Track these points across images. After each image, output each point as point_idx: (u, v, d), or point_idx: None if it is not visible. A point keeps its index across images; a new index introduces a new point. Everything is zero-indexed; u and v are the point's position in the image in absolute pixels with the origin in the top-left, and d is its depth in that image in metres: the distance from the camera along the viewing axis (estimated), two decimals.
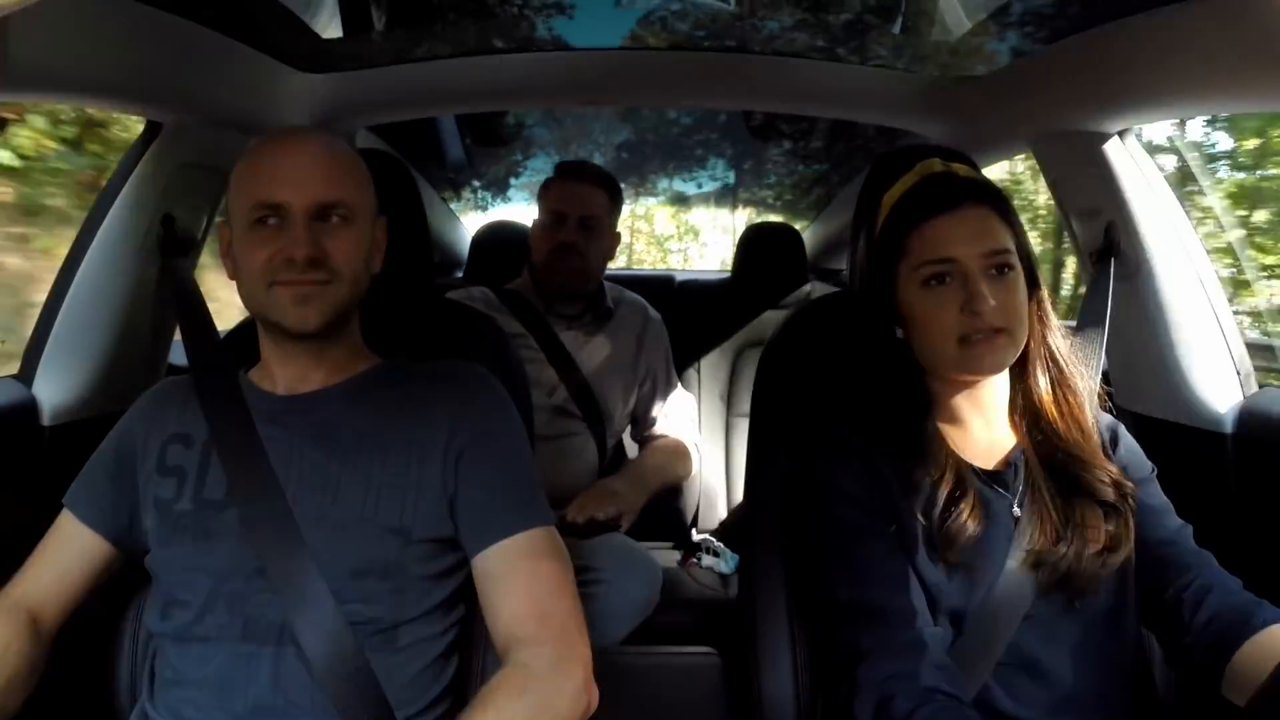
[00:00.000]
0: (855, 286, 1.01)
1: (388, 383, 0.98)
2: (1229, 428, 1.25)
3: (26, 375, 1.24)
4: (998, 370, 0.93)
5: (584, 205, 1.73)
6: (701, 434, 2.14)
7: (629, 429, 1.88)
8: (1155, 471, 0.99)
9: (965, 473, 0.93)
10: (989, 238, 0.90)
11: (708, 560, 1.92)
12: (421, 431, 0.93)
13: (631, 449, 1.95)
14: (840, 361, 1.03)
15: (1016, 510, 0.93)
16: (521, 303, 1.75)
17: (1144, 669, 0.95)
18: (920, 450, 0.93)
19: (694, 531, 2.05)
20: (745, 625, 1.10)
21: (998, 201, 0.93)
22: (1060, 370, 0.97)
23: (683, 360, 2.23)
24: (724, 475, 2.17)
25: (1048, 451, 0.94)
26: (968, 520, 0.90)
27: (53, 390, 1.23)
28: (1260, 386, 1.30)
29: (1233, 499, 1.22)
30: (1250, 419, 1.23)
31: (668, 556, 1.90)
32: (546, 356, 1.70)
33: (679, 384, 1.90)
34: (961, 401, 0.97)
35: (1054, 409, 0.95)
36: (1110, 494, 0.91)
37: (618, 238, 1.82)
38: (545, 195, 1.77)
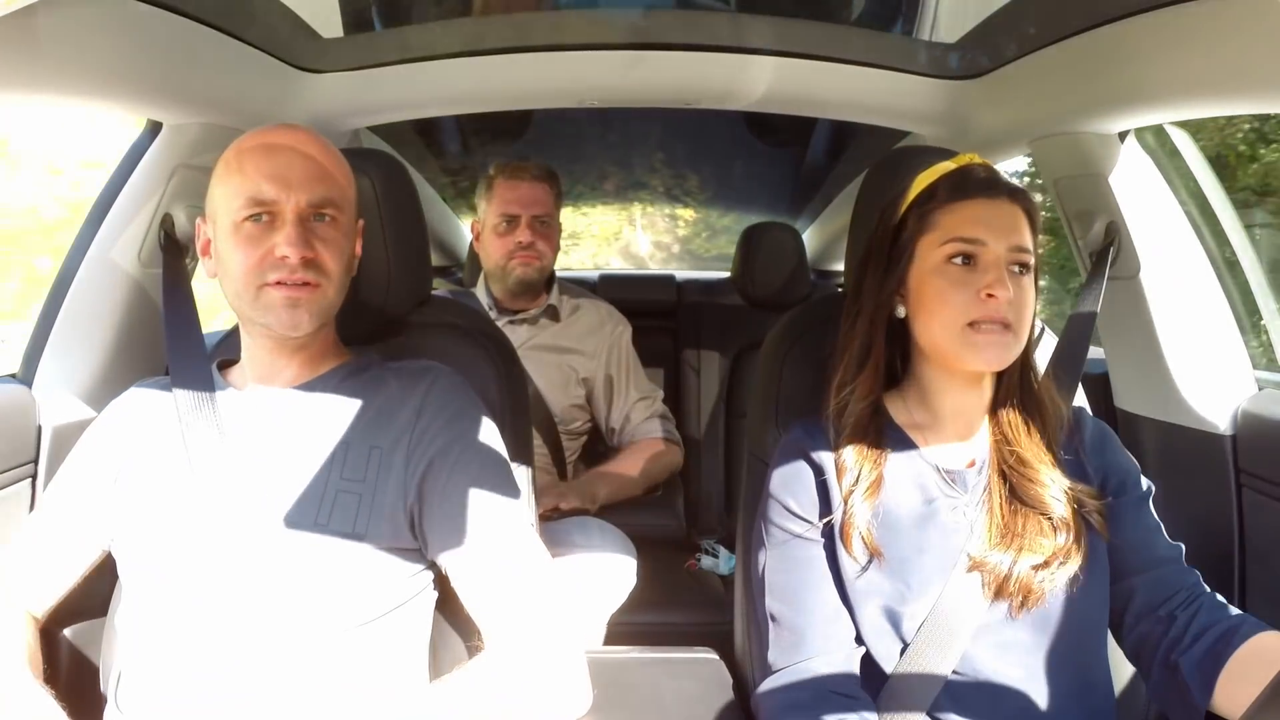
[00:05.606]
0: (866, 262, 1.00)
1: (353, 382, 0.97)
2: (1229, 428, 1.25)
3: (26, 375, 1.24)
4: (997, 366, 0.93)
5: (535, 204, 1.71)
6: (701, 434, 2.14)
7: (610, 436, 1.84)
8: (1152, 491, 0.97)
9: (885, 461, 0.94)
10: (1019, 234, 0.92)
11: (707, 562, 1.92)
12: (382, 437, 0.93)
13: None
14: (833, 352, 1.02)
15: (967, 513, 0.93)
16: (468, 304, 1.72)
17: (1109, 686, 0.93)
18: (858, 431, 0.95)
19: (693, 533, 2.05)
20: (741, 627, 1.10)
21: (1029, 205, 0.95)
22: (1036, 381, 0.98)
23: (683, 360, 2.24)
24: (723, 476, 2.17)
25: (1006, 458, 0.95)
26: (857, 510, 0.91)
27: (53, 390, 1.23)
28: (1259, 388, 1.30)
29: (1232, 500, 1.22)
30: (1250, 420, 1.23)
31: (667, 558, 1.90)
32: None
33: (646, 383, 1.85)
34: (944, 392, 0.97)
35: (1022, 418, 0.96)
36: (1057, 509, 0.91)
37: (560, 228, 1.80)
38: (492, 197, 1.72)
